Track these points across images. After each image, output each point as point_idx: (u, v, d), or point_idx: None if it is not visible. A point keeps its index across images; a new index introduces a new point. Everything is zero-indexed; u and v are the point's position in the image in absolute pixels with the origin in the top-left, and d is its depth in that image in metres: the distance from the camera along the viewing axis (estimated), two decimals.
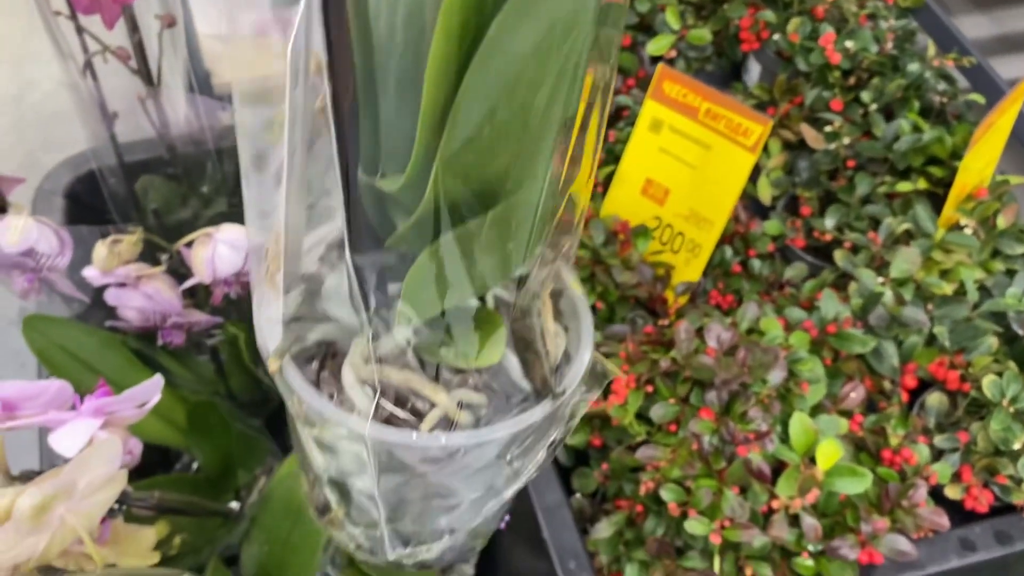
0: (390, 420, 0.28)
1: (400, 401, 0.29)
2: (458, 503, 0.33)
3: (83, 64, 0.59)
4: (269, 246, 0.28)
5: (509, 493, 0.34)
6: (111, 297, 0.55)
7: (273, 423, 0.78)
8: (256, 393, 0.76)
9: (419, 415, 0.28)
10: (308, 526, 0.63)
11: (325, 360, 0.30)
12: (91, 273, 0.54)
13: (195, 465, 0.76)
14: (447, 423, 0.29)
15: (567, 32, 0.21)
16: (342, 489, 0.33)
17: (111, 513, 0.48)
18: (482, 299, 0.29)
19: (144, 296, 0.56)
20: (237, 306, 0.64)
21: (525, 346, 0.30)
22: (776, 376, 0.60)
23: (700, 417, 0.58)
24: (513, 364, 0.31)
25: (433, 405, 0.29)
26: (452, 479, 0.31)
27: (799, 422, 0.59)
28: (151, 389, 0.46)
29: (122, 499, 0.47)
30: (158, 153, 0.78)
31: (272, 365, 0.29)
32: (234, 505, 0.64)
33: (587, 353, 0.31)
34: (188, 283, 0.56)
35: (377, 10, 0.22)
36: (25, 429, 0.47)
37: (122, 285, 0.56)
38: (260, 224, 0.28)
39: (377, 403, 0.27)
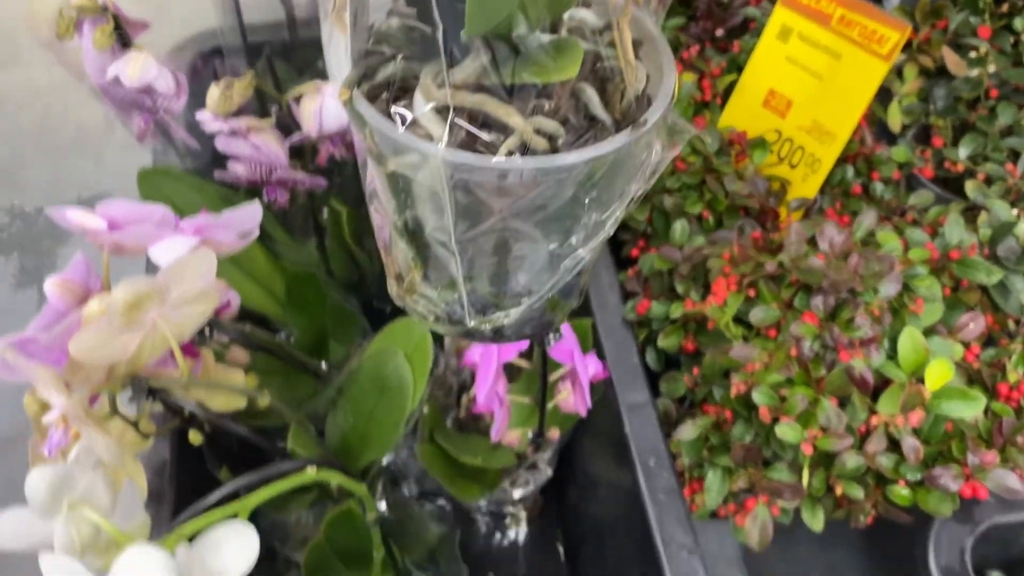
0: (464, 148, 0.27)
1: (472, 128, 0.27)
2: (536, 254, 0.32)
3: None
4: None
5: (585, 251, 0.32)
6: (221, 144, 0.56)
7: (369, 307, 0.78)
8: (354, 274, 0.76)
9: (493, 148, 0.27)
10: (393, 401, 0.63)
11: (395, 95, 0.29)
12: (204, 116, 0.55)
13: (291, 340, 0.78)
14: (523, 151, 0.27)
15: None
16: (418, 241, 0.32)
17: (201, 338, 0.49)
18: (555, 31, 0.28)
19: (252, 146, 0.56)
20: (341, 169, 0.64)
21: (604, 84, 0.29)
22: (890, 288, 0.56)
23: (803, 321, 0.55)
24: (591, 96, 0.29)
25: (506, 134, 0.27)
26: (527, 222, 0.30)
27: (910, 337, 0.55)
28: (250, 216, 0.47)
29: (212, 323, 0.48)
30: (280, 36, 0.79)
31: (342, 95, 0.28)
32: (323, 366, 0.65)
33: (669, 92, 0.29)
34: (295, 137, 0.56)
35: None
36: (131, 249, 0.48)
37: (233, 134, 0.57)
38: None
39: (451, 124, 0.26)
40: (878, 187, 0.71)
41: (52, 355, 0.45)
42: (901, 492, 0.58)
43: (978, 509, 0.58)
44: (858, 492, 0.57)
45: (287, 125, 0.58)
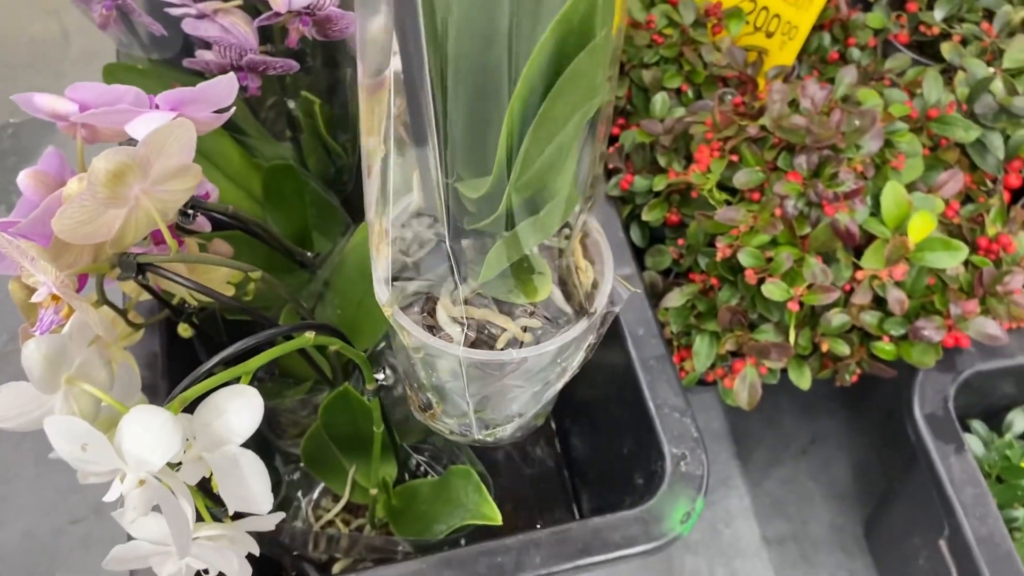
0: (475, 343, 0.39)
1: (479, 329, 0.39)
2: (524, 395, 0.44)
3: None
4: (375, 226, 0.39)
5: (560, 384, 0.44)
6: (188, 27, 0.55)
7: (348, 201, 0.77)
8: (331, 168, 0.75)
9: (494, 338, 0.39)
10: None
11: (424, 305, 0.40)
12: None
13: None
14: (515, 342, 0.39)
15: (590, 95, 0.32)
16: (441, 392, 0.44)
17: (185, 219, 0.48)
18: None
19: (220, 28, 0.55)
20: (312, 54, 0.63)
21: (564, 281, 0.40)
22: (872, 144, 0.56)
23: (787, 180, 0.56)
24: (558, 295, 0.40)
25: (503, 330, 0.39)
26: (520, 379, 0.41)
27: (893, 191, 0.56)
28: (226, 89, 0.45)
29: (195, 204, 0.48)
30: None
31: (386, 311, 0.39)
32: (310, 255, 0.64)
33: (610, 281, 0.41)
34: (264, 17, 0.55)
35: (455, 68, 0.32)
36: (105, 133, 0.47)
37: (200, 17, 0.55)
38: (369, 210, 0.39)
39: (465, 334, 0.38)
40: (855, 53, 0.71)
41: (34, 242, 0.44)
42: (885, 347, 0.59)
43: (960, 358, 0.60)
44: (844, 348, 0.58)
45: (254, 7, 0.56)
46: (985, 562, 0.53)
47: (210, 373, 0.43)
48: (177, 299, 0.55)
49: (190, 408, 0.40)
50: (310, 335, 0.47)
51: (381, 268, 0.39)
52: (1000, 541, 0.53)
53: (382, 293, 0.39)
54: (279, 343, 0.45)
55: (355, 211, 0.78)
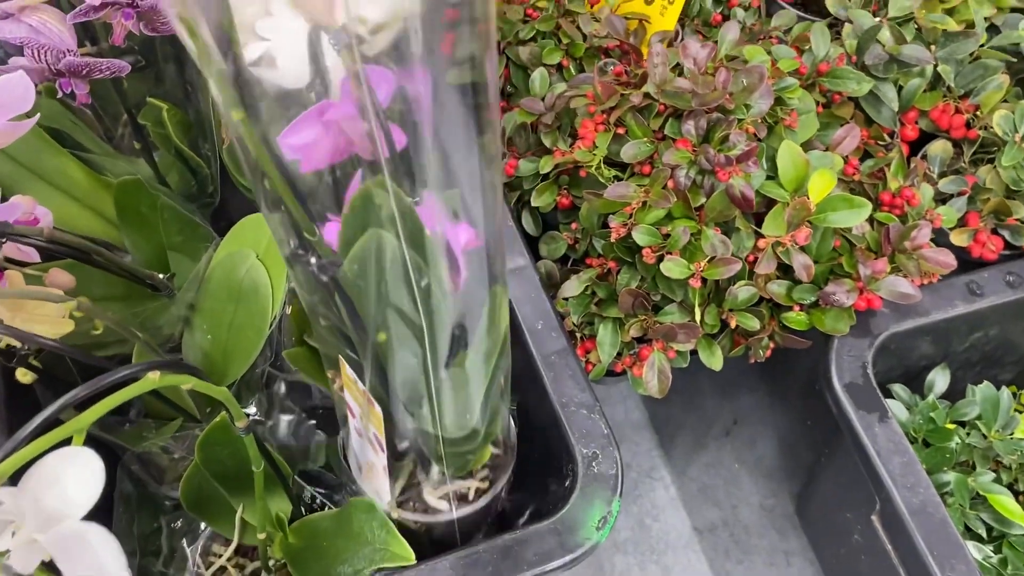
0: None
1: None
2: None
3: None
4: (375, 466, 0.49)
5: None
6: None
7: (219, 215, 0.71)
8: (192, 182, 0.69)
9: (465, 496, 0.51)
10: (252, 307, 0.58)
11: (411, 494, 0.50)
12: None
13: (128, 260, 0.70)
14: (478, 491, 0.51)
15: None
16: None
17: None
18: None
19: (29, 28, 0.48)
20: (148, 52, 0.57)
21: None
22: (761, 103, 0.53)
23: (676, 148, 0.52)
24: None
25: (468, 489, 0.51)
26: None
27: (788, 151, 0.52)
28: (17, 90, 0.39)
29: (2, 232, 0.41)
30: None
31: (394, 515, 0.50)
32: (162, 276, 0.58)
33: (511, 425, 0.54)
34: (78, 11, 0.48)
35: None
36: None
37: (6, 17, 0.48)
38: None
39: (452, 505, 0.50)
40: (738, 13, 0.67)
41: None
42: (796, 317, 0.56)
43: (874, 321, 0.56)
44: (753, 323, 0.55)
45: (69, 2, 0.50)
46: (920, 534, 0.50)
47: (34, 436, 0.36)
48: (3, 342, 0.48)
49: (16, 480, 0.34)
50: (155, 375, 0.41)
51: (384, 492, 0.49)
52: (934, 510, 0.50)
53: (388, 507, 0.50)
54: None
55: (224, 226, 0.71)
